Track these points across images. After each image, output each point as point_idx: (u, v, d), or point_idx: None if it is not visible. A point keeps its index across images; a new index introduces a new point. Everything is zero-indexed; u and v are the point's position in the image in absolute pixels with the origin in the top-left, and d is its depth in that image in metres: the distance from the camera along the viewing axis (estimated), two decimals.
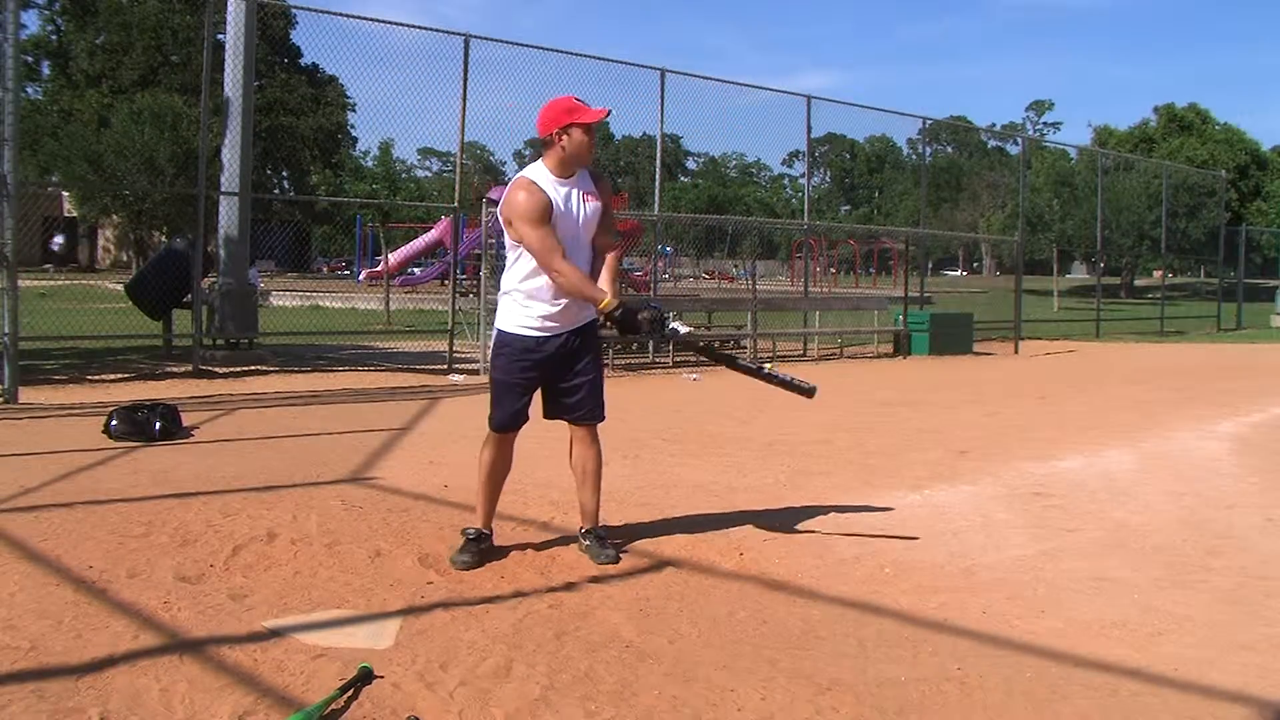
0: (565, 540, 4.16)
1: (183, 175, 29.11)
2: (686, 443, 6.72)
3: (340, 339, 14.27)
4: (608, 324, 3.86)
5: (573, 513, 4.24)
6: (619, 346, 12.80)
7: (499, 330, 3.92)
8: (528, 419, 3.96)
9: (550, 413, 4.00)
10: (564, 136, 3.72)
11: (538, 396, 3.98)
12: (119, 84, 37.92)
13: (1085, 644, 3.17)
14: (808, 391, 4.04)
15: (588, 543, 4.01)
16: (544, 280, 3.76)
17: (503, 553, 3.97)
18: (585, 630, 3.19)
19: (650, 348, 13.21)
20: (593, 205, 3.83)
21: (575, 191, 3.79)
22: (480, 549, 3.90)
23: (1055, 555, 4.18)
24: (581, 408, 3.94)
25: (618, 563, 3.90)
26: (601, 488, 4.07)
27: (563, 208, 3.74)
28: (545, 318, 3.83)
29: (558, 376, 3.91)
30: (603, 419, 4.00)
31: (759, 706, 2.68)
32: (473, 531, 3.93)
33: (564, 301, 3.79)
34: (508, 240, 3.82)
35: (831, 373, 12.71)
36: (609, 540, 4.05)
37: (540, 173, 3.77)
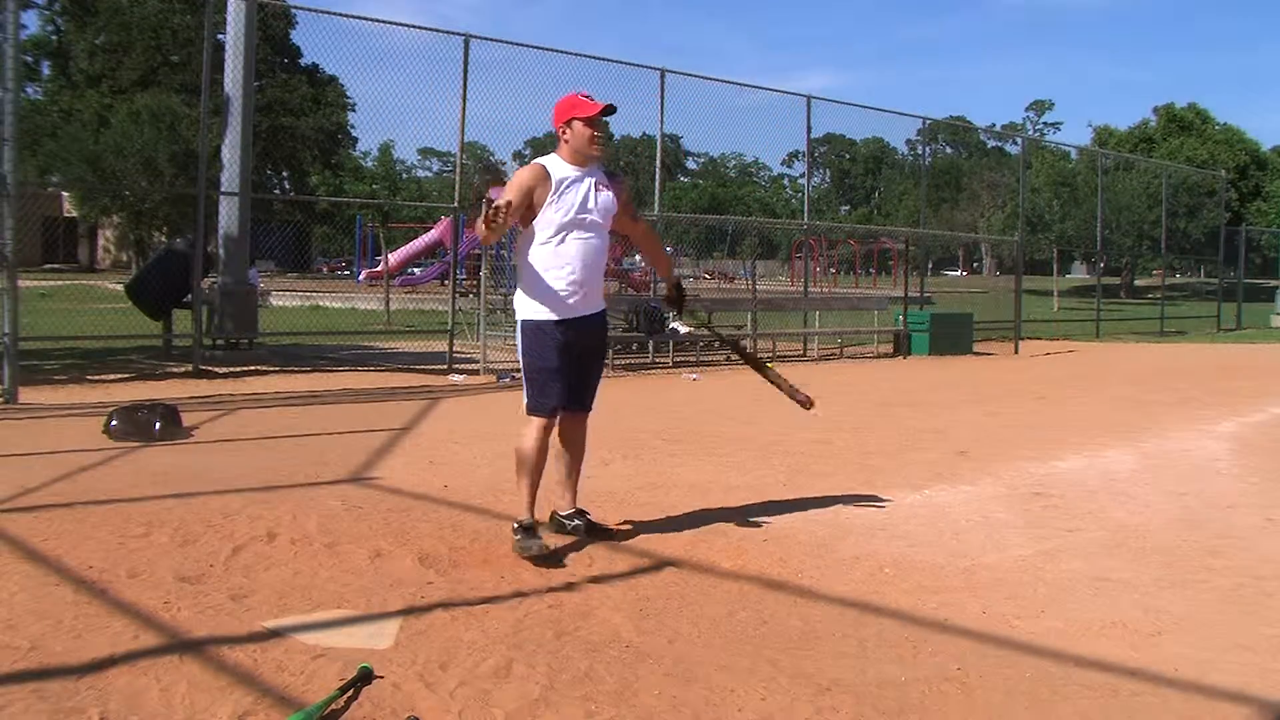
0: (564, 540, 4.16)
1: (183, 175, 29.13)
2: (686, 443, 6.71)
3: (340, 339, 14.26)
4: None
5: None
6: (619, 347, 12.80)
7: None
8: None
9: None
10: (567, 130, 4.00)
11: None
12: (119, 84, 37.90)
13: (1085, 644, 3.18)
14: (804, 403, 4.37)
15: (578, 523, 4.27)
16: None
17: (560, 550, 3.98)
18: (585, 630, 3.19)
19: (650, 347, 13.21)
20: (605, 195, 4.06)
21: (588, 180, 4.03)
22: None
23: (1055, 555, 4.18)
24: None
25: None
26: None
27: (570, 184, 3.98)
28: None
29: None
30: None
31: (759, 706, 2.68)
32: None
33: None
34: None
35: (831, 373, 12.71)
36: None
37: (551, 159, 4.06)
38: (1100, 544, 4.39)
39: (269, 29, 31.10)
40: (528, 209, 3.94)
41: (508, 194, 3.87)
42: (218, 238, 11.01)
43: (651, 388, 10.50)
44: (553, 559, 3.88)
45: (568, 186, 3.96)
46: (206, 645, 2.96)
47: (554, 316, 3.97)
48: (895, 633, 3.25)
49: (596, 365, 4.25)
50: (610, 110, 4.02)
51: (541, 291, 3.98)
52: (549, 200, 3.93)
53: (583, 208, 3.97)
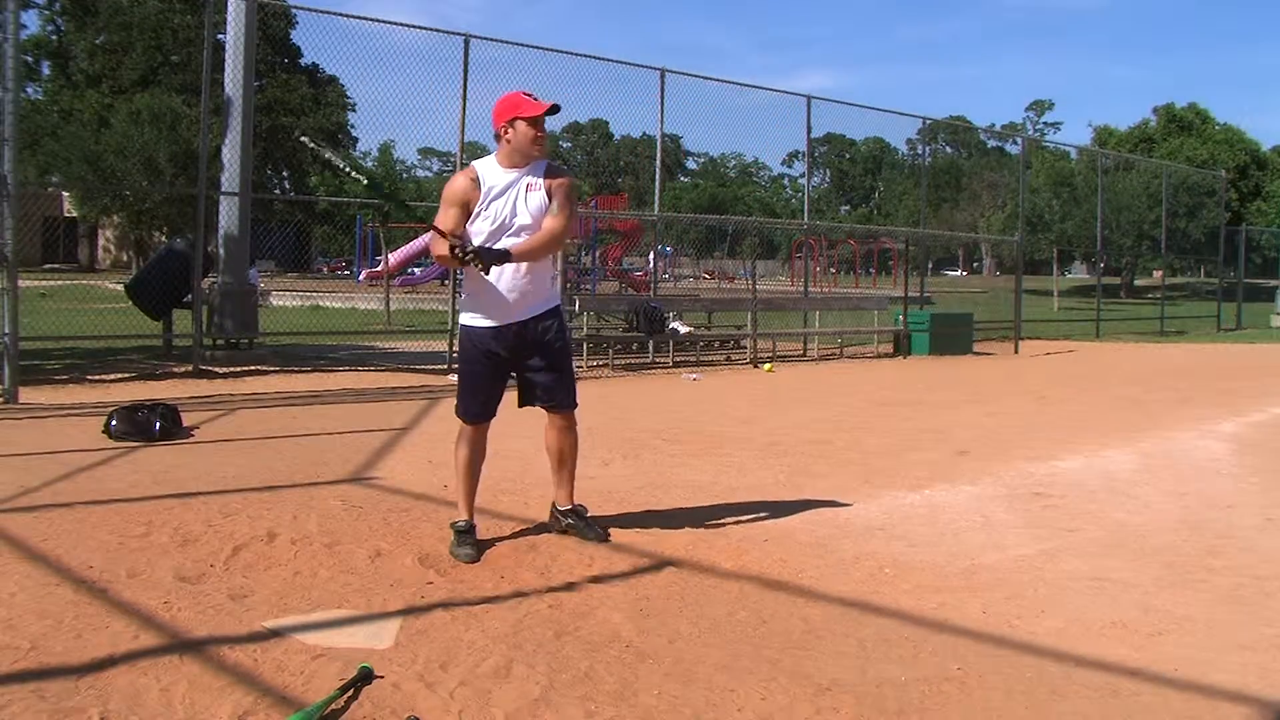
0: (566, 540, 4.16)
1: (183, 175, 29.15)
2: (686, 443, 6.71)
3: (340, 339, 14.26)
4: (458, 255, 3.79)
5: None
6: (619, 347, 12.81)
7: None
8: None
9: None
10: (509, 130, 3.91)
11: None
12: (119, 84, 37.92)
13: (1085, 644, 3.18)
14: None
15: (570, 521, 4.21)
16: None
17: (492, 544, 3.99)
18: (585, 630, 3.19)
19: (650, 347, 13.21)
20: (537, 195, 3.94)
21: (521, 180, 3.93)
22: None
23: (1055, 555, 4.18)
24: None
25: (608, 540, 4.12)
26: (575, 474, 4.30)
27: (499, 193, 3.90)
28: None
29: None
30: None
31: (759, 706, 2.68)
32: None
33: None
34: None
35: (831, 373, 12.72)
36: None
37: (486, 162, 3.99)
38: (1100, 544, 4.39)
39: (269, 29, 31.10)
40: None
41: (443, 210, 3.90)
42: (218, 238, 11.01)
43: (651, 388, 10.50)
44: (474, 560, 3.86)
45: (496, 195, 3.88)
46: (206, 645, 2.96)
47: (486, 323, 3.93)
48: (895, 633, 3.25)
49: (557, 362, 4.06)
50: (554, 110, 3.91)
51: (474, 297, 3.96)
52: (476, 209, 3.89)
53: (512, 214, 3.89)
